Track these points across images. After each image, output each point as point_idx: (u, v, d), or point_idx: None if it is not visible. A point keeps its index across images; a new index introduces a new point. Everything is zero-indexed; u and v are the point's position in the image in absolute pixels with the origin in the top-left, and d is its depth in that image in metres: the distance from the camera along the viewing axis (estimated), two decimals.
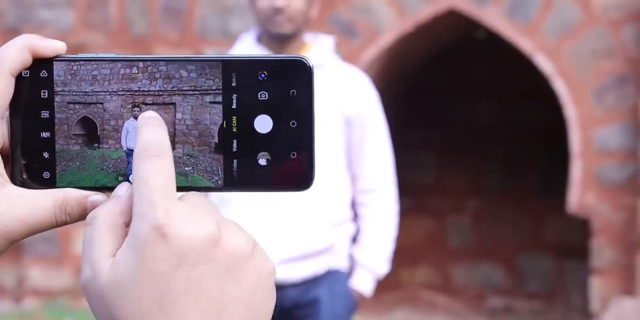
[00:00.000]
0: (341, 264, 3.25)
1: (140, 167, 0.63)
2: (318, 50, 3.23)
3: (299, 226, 3.14)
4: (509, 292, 7.99)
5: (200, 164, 0.68)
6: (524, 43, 6.34)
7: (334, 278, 3.22)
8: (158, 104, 0.68)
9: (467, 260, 8.14)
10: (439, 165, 8.24)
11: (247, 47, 3.23)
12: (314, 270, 3.19)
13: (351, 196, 3.30)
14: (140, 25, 6.75)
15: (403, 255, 7.45)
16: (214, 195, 3.09)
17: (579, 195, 6.19)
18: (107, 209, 0.64)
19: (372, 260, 3.26)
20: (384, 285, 6.30)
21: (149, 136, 0.64)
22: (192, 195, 0.65)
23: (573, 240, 7.81)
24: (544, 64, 6.31)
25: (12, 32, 6.81)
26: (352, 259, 3.29)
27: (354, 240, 3.34)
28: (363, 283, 3.26)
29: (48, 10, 6.77)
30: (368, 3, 6.51)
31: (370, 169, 3.27)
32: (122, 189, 0.65)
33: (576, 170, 6.22)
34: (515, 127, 8.12)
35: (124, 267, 0.61)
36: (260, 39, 3.22)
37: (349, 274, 3.28)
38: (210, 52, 6.53)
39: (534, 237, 8.05)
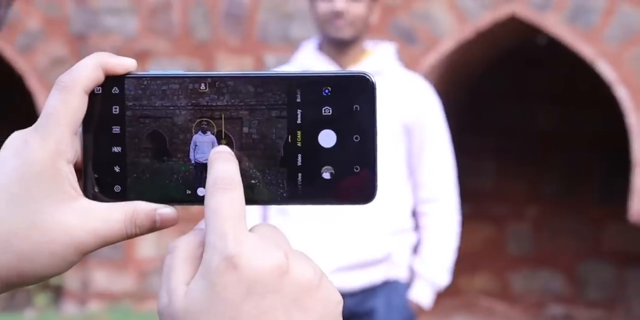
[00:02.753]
0: (400, 274, 3.18)
1: (212, 199, 0.65)
2: (378, 57, 3.21)
3: (356, 234, 3.10)
4: (569, 300, 7.93)
5: (266, 178, 0.70)
6: (586, 49, 6.30)
7: (391, 289, 3.16)
8: (225, 118, 0.70)
9: (526, 268, 8.09)
10: (499, 171, 8.20)
11: (308, 54, 3.22)
12: (371, 279, 3.13)
13: (412, 205, 3.23)
14: (202, 31, 6.83)
15: (462, 261, 7.42)
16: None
17: None
18: (187, 240, 0.66)
19: (432, 272, 3.19)
20: (442, 292, 6.30)
21: (220, 170, 0.66)
22: (263, 226, 0.67)
23: (634, 249, 7.73)
24: (605, 70, 6.26)
25: (79, 39, 6.93)
26: (412, 269, 3.21)
27: (415, 250, 3.26)
28: (422, 295, 3.19)
29: (113, 17, 6.88)
30: (428, 9, 6.52)
31: (431, 177, 3.20)
32: (204, 222, 0.67)
33: (638, 178, 6.16)
34: (576, 134, 8.06)
35: (196, 295, 0.63)
36: (320, 47, 3.21)
37: (408, 285, 3.20)
38: (271, 59, 6.59)
39: (594, 245, 7.98)
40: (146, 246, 6.88)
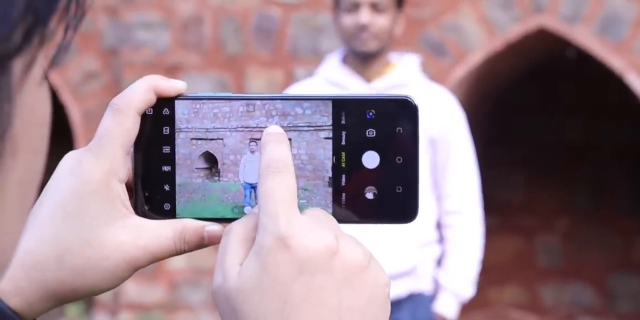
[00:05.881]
0: (425, 287, 3.20)
1: (265, 182, 0.67)
2: (402, 69, 3.21)
3: (382, 247, 3.10)
4: (599, 313, 7.89)
5: (315, 198, 0.72)
6: (615, 61, 6.30)
7: (416, 301, 3.18)
8: None
9: (556, 280, 8.07)
10: (528, 184, 8.19)
11: (332, 67, 3.24)
12: (396, 292, 3.14)
13: (436, 217, 3.24)
14: (233, 45, 6.89)
15: (491, 273, 7.43)
16: None
17: None
18: (242, 223, 0.68)
19: (457, 284, 3.20)
20: (471, 304, 6.30)
21: (272, 153, 0.68)
22: (314, 210, 0.69)
23: None
24: (635, 82, 6.26)
25: (111, 53, 7.01)
26: (436, 282, 3.23)
27: (439, 262, 3.28)
28: (447, 307, 3.20)
29: (146, 31, 6.95)
30: (458, 22, 6.55)
31: (455, 189, 3.21)
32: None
33: None
34: (605, 146, 8.04)
35: (249, 274, 0.65)
36: (345, 59, 3.23)
37: (433, 297, 3.22)
38: (301, 72, 6.63)
39: (623, 257, 7.94)
40: (177, 258, 6.92)
